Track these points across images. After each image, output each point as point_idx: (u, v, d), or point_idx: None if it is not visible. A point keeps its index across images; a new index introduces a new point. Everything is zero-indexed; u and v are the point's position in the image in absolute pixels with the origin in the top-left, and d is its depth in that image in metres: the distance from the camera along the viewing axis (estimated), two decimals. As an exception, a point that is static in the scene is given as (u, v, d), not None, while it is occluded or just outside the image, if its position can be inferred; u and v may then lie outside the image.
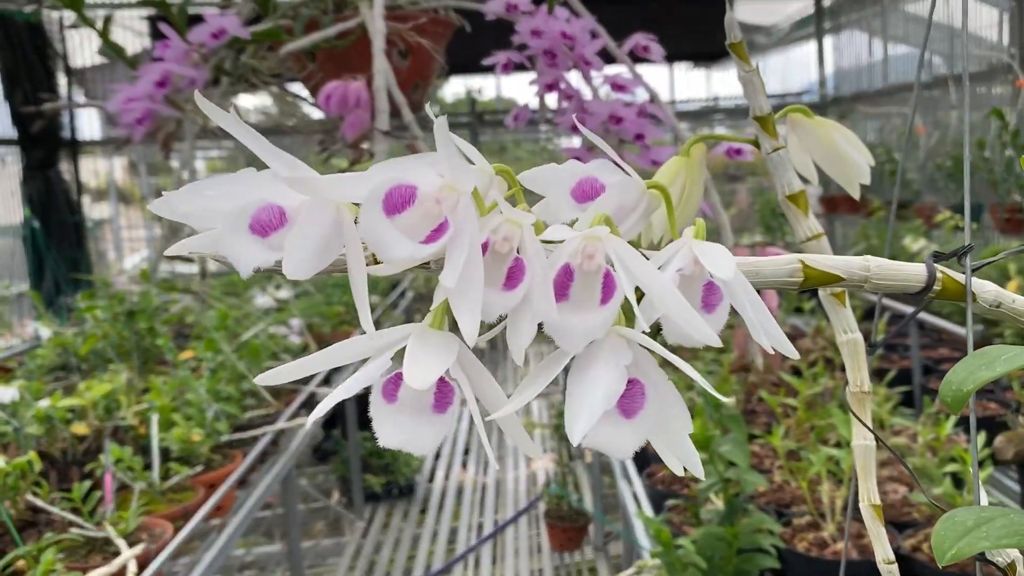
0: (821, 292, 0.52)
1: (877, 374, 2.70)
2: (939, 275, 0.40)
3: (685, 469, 0.34)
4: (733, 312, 0.36)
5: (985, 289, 0.41)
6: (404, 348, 0.32)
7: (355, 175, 0.31)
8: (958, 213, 3.81)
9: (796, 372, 2.74)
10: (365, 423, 4.63)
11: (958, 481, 1.93)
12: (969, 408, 0.43)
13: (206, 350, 2.73)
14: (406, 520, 4.25)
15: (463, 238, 0.30)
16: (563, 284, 0.33)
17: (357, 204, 0.33)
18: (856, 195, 0.56)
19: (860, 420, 0.48)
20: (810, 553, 1.81)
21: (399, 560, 3.86)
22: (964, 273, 0.44)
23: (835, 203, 5.32)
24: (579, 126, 0.35)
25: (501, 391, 0.34)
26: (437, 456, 5.05)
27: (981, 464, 1.89)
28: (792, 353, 0.35)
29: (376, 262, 0.33)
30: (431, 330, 0.33)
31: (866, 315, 3.16)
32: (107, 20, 1.26)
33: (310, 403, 3.03)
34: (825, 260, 0.39)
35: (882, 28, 5.89)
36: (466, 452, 5.09)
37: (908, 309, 3.30)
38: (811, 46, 6.92)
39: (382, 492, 4.40)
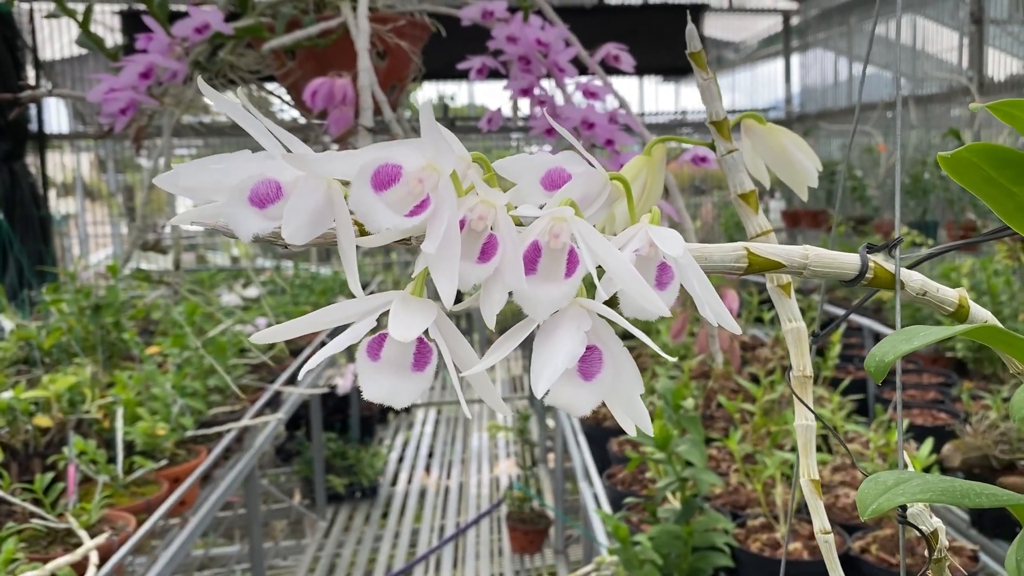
0: (769, 285, 0.56)
1: (832, 383, 2.77)
2: (871, 264, 0.44)
3: (637, 429, 0.38)
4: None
5: (912, 278, 0.45)
6: (388, 311, 0.36)
7: (346, 153, 0.34)
8: (915, 229, 3.91)
9: (755, 379, 2.80)
10: (330, 424, 4.65)
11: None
12: (896, 387, 0.47)
13: (173, 345, 2.73)
14: (368, 521, 4.26)
15: (443, 212, 0.34)
16: (532, 259, 0.37)
17: (344, 182, 0.36)
18: (804, 196, 0.60)
19: (802, 401, 0.53)
20: (763, 553, 1.86)
21: (360, 561, 3.87)
22: (910, 264, 0.49)
23: (797, 217, 5.43)
24: (550, 120, 0.39)
25: (474, 353, 0.38)
26: (401, 459, 5.06)
27: (928, 470, 1.95)
28: (734, 328, 0.39)
29: (363, 233, 0.36)
30: (412, 296, 0.36)
31: (823, 325, 3.23)
32: (88, 10, 1.27)
33: (275, 401, 3.04)
34: (768, 248, 0.43)
35: (848, 48, 6.02)
36: (430, 455, 5.11)
37: (864, 321, 3.38)
38: (778, 63, 7.05)
39: (345, 493, 4.40)
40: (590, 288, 0.38)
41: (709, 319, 0.38)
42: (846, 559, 1.88)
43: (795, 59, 6.86)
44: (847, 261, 0.44)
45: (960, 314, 0.46)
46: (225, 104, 0.37)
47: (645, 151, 0.56)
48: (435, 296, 0.36)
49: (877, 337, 3.39)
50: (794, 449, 2.24)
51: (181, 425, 2.36)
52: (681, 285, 0.40)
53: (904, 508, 0.45)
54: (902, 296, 0.45)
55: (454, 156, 0.35)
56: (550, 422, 4.54)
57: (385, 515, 4.33)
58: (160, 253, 1.26)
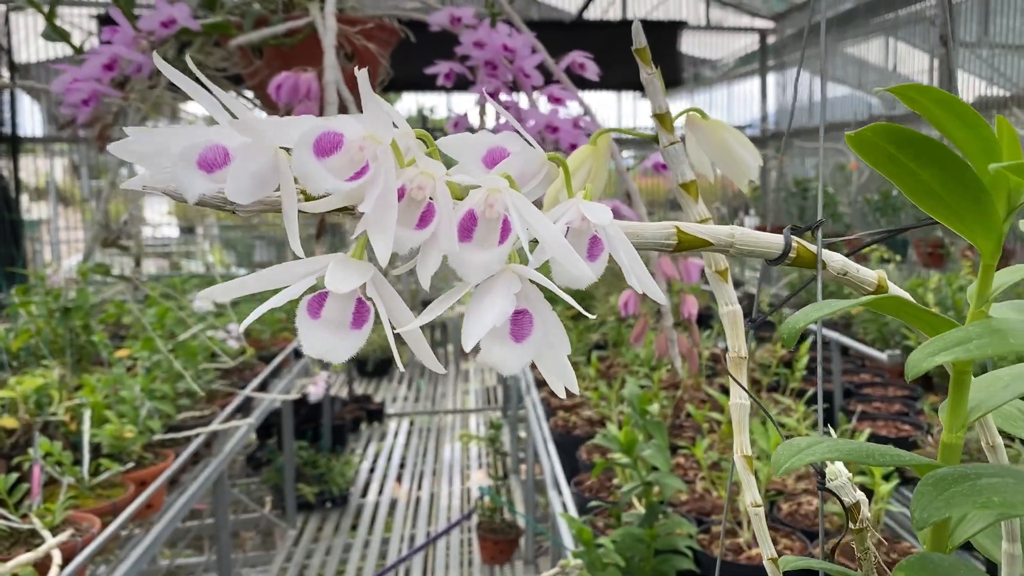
0: (707, 271, 0.59)
1: (798, 395, 2.81)
2: (795, 244, 0.47)
3: (567, 391, 0.41)
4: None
5: (833, 259, 0.48)
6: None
7: (290, 119, 0.36)
8: (884, 245, 3.97)
9: (724, 390, 2.84)
10: (301, 432, 4.63)
11: (868, 491, 2.02)
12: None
13: (142, 349, 2.72)
14: (338, 531, 4.24)
15: (380, 177, 0.36)
16: (468, 227, 0.39)
17: (289, 151, 0.38)
18: (745, 190, 0.63)
19: (736, 381, 0.55)
20: (726, 558, 1.89)
21: (329, 571, 3.85)
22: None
23: (770, 233, 5.48)
24: (506, 115, 0.41)
25: (410, 312, 0.40)
26: (372, 469, 5.05)
27: (888, 478, 1.98)
28: (660, 297, 0.41)
29: (308, 199, 0.38)
30: (351, 258, 0.38)
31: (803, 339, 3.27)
32: (54, 3, 1.29)
33: (245, 407, 3.03)
34: (696, 227, 0.46)
35: (823, 68, 6.11)
36: (401, 466, 5.10)
37: (832, 335, 3.42)
38: (755, 82, 7.15)
39: (315, 502, 4.39)
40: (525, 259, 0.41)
41: (635, 288, 0.40)
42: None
43: (771, 78, 6.97)
44: (772, 241, 0.46)
45: (880, 293, 0.49)
46: (175, 74, 0.39)
47: (591, 141, 0.58)
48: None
49: (844, 350, 3.43)
50: (760, 458, 2.26)
51: (149, 428, 2.35)
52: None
53: (823, 477, 0.47)
54: (825, 276, 0.47)
55: (394, 128, 0.37)
56: (522, 433, 4.55)
57: (355, 525, 4.32)
58: (120, 250, 1.27)
